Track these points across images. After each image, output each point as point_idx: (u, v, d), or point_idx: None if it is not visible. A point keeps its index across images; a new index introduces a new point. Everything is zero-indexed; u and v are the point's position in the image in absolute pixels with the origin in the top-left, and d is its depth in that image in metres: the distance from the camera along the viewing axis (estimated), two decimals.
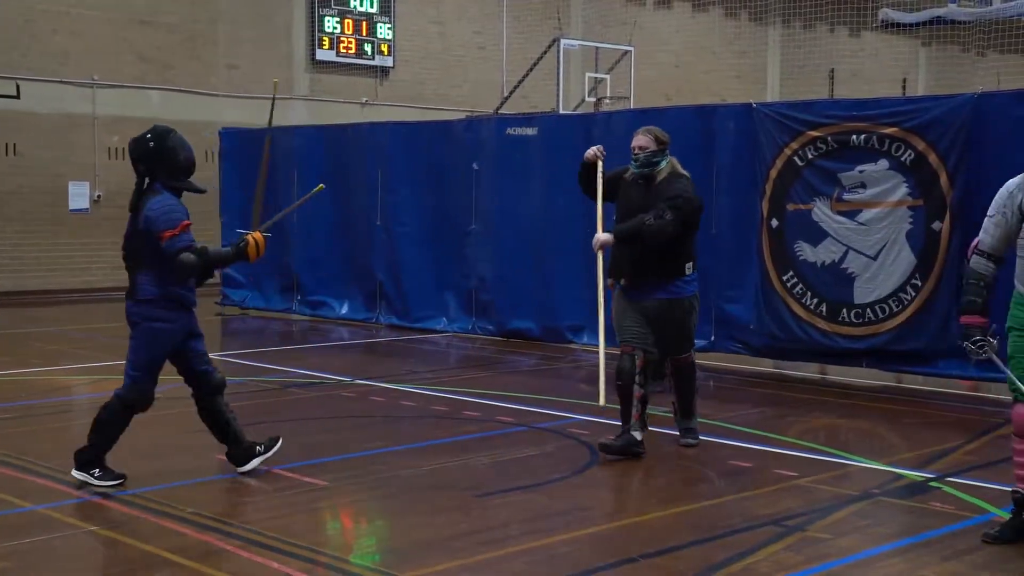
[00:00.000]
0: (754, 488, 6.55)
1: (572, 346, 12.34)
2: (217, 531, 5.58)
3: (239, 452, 6.72)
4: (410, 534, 5.68)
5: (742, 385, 10.33)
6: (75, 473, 6.43)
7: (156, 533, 5.55)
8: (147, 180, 6.73)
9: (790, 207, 10.34)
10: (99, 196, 18.76)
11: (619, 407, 7.29)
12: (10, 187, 17.86)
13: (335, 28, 21.55)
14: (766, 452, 7.49)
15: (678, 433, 7.65)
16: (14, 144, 17.92)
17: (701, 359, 11.17)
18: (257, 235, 6.96)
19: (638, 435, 7.20)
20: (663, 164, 7.25)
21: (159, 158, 6.71)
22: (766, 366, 11.23)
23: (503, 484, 6.59)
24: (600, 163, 7.56)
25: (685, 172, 7.32)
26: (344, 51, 21.74)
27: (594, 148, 7.64)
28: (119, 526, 5.65)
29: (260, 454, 6.74)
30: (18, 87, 17.90)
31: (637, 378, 7.21)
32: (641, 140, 7.27)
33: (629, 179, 7.41)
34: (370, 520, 6.15)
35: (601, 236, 7.33)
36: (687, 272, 7.22)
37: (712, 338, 11.09)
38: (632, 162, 7.34)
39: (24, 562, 5.11)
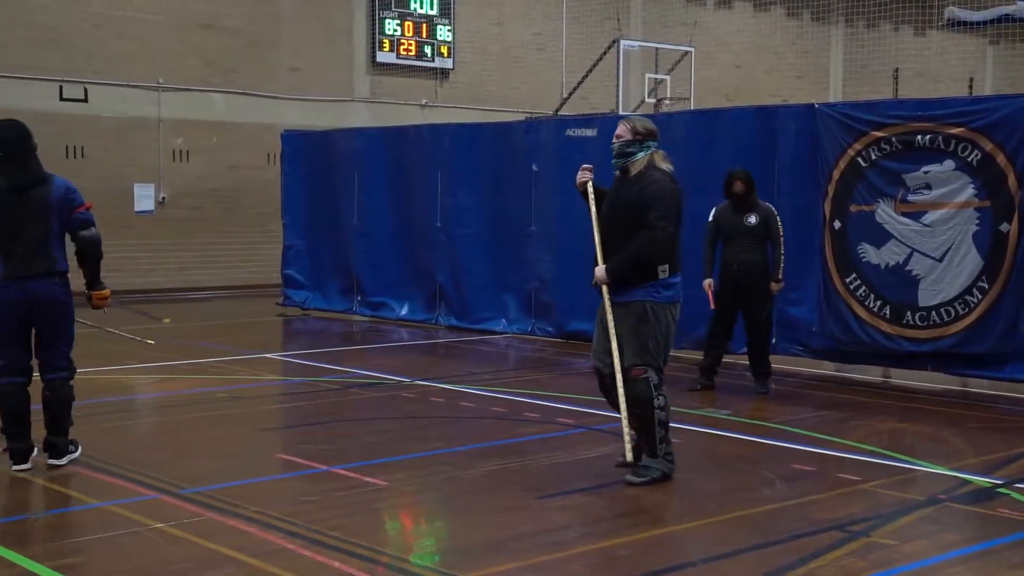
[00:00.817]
0: (816, 492, 6.48)
1: None
2: (280, 530, 5.64)
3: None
4: (470, 535, 5.70)
5: (803, 388, 10.23)
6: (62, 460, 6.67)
7: (220, 531, 5.62)
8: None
9: (853, 208, 10.22)
10: (164, 198, 19.03)
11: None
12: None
13: (395, 30, 21.68)
14: (828, 456, 7.42)
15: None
16: (82, 147, 18.24)
17: None
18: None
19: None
20: (639, 155, 6.69)
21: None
22: (827, 369, 11.12)
23: (563, 486, 6.58)
24: (590, 185, 6.95)
25: (666, 166, 6.70)
26: (404, 53, 21.85)
27: (582, 170, 7.04)
28: (184, 524, 5.73)
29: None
30: (86, 91, 18.22)
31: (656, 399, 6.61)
32: (618, 130, 6.80)
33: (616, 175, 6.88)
34: (430, 520, 6.17)
35: (598, 274, 6.78)
36: (659, 276, 6.58)
37: (773, 340, 10.96)
38: (612, 155, 6.85)
39: (91, 558, 5.20)
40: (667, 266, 6.58)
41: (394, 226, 14.76)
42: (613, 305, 6.68)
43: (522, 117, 18.69)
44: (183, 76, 19.21)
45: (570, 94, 21.40)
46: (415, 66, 22.10)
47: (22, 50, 17.61)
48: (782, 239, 9.58)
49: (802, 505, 6.20)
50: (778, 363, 10.97)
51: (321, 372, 10.73)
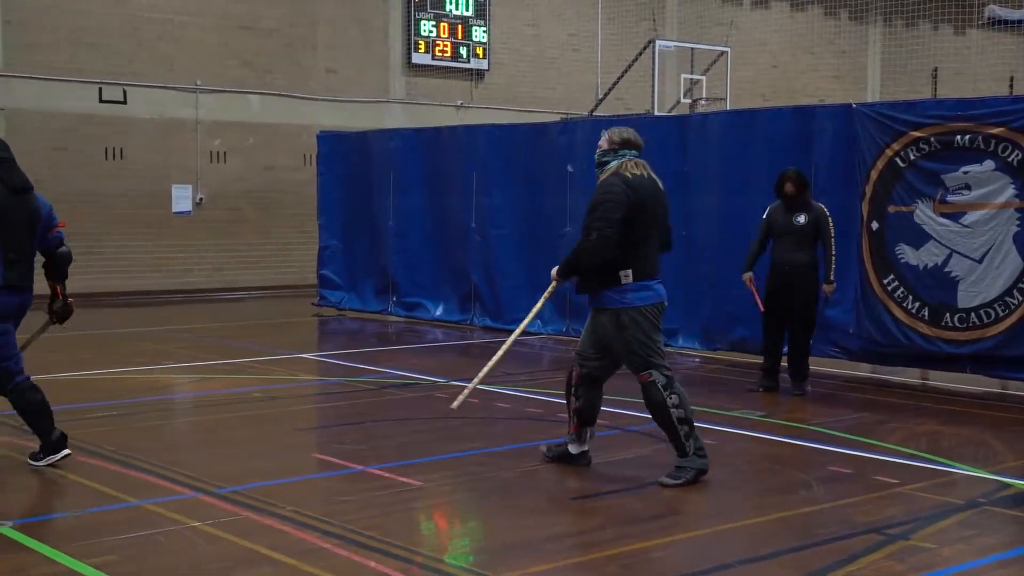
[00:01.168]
0: (854, 495, 6.43)
1: (667, 349, 12.21)
2: (316, 529, 5.66)
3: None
4: (504, 535, 5.70)
5: (840, 390, 10.16)
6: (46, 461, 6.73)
7: (257, 530, 5.65)
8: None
9: (891, 209, 10.14)
10: (201, 199, 19.17)
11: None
12: (117, 190, 18.35)
13: (431, 31, 21.72)
14: (866, 458, 7.35)
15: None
16: (120, 148, 18.41)
17: None
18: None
19: (573, 448, 6.98)
20: (612, 164, 6.78)
21: None
22: (864, 371, 11.03)
23: (598, 487, 6.57)
24: None
25: (632, 173, 6.73)
26: (440, 54, 21.90)
27: None
28: (221, 522, 5.76)
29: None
30: (125, 93, 18.39)
31: (573, 390, 6.87)
32: (600, 140, 6.94)
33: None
34: (465, 521, 6.18)
35: (552, 272, 7.02)
36: (622, 281, 6.56)
37: (810, 342, 10.90)
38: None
39: (128, 556, 5.24)
40: (630, 271, 6.56)
41: (429, 227, 14.79)
42: (595, 311, 6.81)
43: (557, 118, 18.68)
44: (220, 77, 19.35)
45: (605, 95, 21.37)
46: (450, 67, 22.14)
47: (64, 52, 17.80)
48: (833, 240, 9.52)
49: (839, 508, 6.15)
50: (815, 365, 10.89)
51: (356, 372, 10.76)
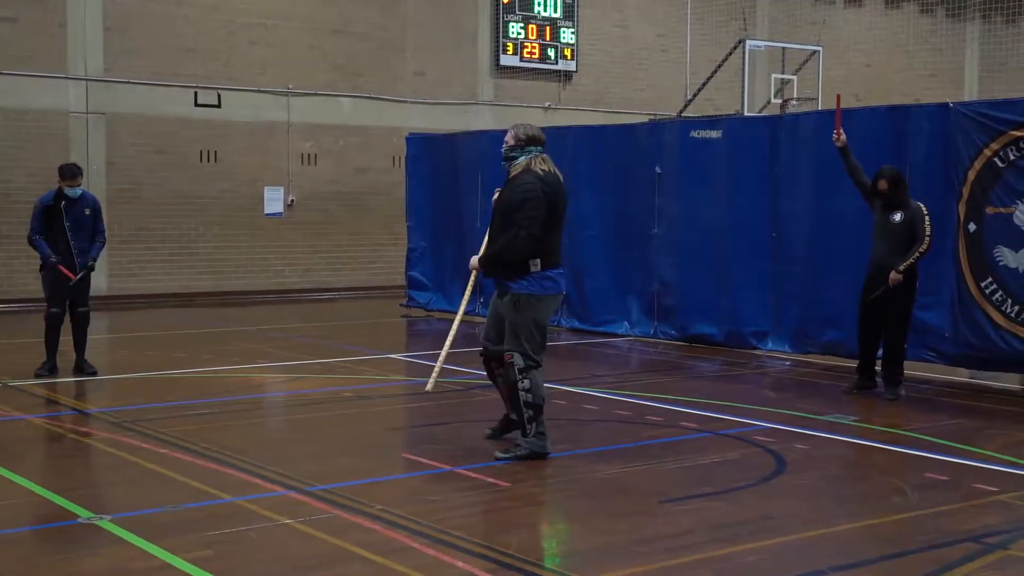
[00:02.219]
0: (951, 502, 6.29)
1: (756, 352, 12.13)
2: (404, 528, 5.70)
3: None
4: (593, 538, 5.68)
5: (936, 395, 9.94)
6: None
7: (346, 528, 5.71)
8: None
9: (989, 210, 9.89)
10: (292, 201, 19.45)
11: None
12: (212, 193, 18.72)
13: (519, 33, 21.77)
14: (963, 465, 7.19)
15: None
16: (215, 151, 18.76)
17: None
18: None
19: (549, 445, 7.27)
20: (520, 159, 7.29)
21: None
22: (962, 376, 10.79)
23: (687, 490, 6.52)
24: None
25: (540, 169, 7.22)
26: (528, 56, 21.93)
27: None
28: (312, 520, 5.83)
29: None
30: (219, 97, 18.74)
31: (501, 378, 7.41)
32: (506, 136, 7.41)
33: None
34: (552, 522, 6.17)
35: (472, 261, 7.55)
36: (531, 269, 7.10)
37: (904, 346, 10.70)
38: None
39: (223, 551, 5.33)
40: (539, 260, 7.11)
41: None
42: (498, 295, 7.40)
43: (645, 119, 18.59)
44: (312, 81, 19.61)
45: (694, 95, 21.21)
46: (538, 69, 22.16)
47: (162, 58, 18.20)
48: (928, 239, 9.30)
49: (935, 515, 6.02)
50: (910, 369, 10.69)
51: (444, 373, 10.79)
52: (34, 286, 17.21)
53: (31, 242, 10.37)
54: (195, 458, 7.21)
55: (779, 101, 21.20)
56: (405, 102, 20.53)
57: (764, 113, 20.53)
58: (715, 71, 20.97)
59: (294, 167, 19.49)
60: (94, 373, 10.43)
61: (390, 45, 20.43)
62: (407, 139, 16.70)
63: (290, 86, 19.37)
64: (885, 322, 9.56)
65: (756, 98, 21.81)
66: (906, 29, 26.24)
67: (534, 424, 7.17)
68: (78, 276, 10.32)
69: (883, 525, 5.88)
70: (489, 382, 7.88)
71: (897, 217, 9.37)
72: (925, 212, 9.38)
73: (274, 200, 19.38)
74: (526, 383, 7.11)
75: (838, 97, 10.22)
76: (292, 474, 6.78)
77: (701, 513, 6.08)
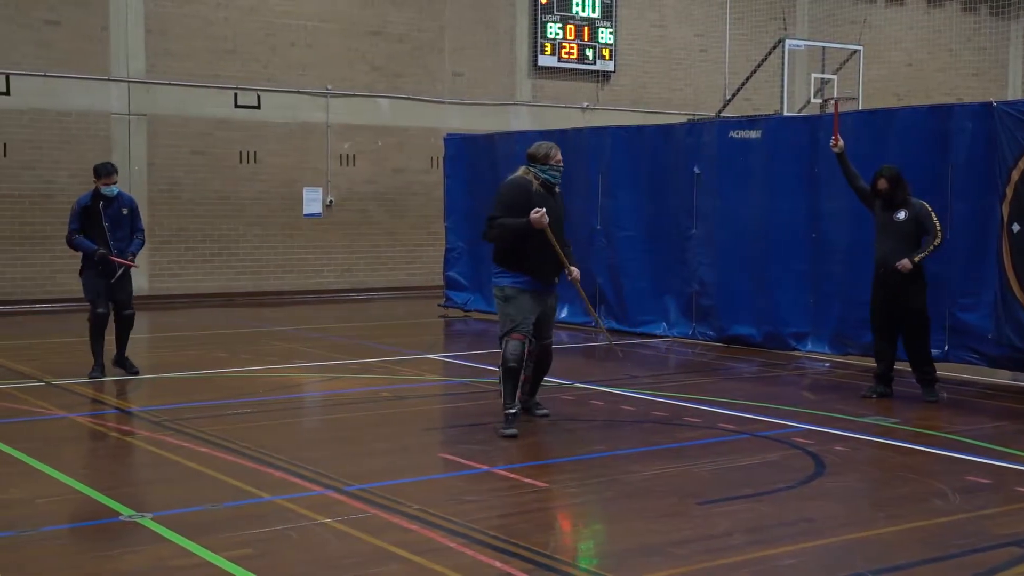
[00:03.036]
0: (993, 506, 6.22)
1: (795, 353, 12.05)
2: (442, 528, 5.71)
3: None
4: (630, 539, 5.67)
5: (978, 397, 9.83)
6: None
7: (384, 528, 5.73)
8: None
9: None
10: (331, 201, 19.55)
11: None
12: (251, 193, 18.84)
13: (557, 34, 21.75)
14: (1006, 468, 7.11)
15: None
16: (254, 152, 18.88)
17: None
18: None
19: (514, 408, 8.03)
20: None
21: None
22: (1004, 378, 10.66)
23: (725, 492, 6.49)
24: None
25: (517, 177, 8.25)
26: (566, 56, 21.91)
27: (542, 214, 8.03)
28: (350, 520, 5.86)
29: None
30: (259, 98, 18.87)
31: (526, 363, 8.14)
32: (558, 156, 8.28)
33: (538, 190, 8.16)
34: (590, 523, 6.16)
35: (576, 273, 8.34)
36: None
37: (945, 348, 10.60)
38: (555, 174, 8.26)
39: (262, 550, 5.37)
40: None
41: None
42: (547, 294, 8.36)
43: (684, 119, 18.52)
44: (350, 82, 19.70)
45: (733, 95, 21.11)
46: (576, 69, 22.13)
47: (203, 60, 18.35)
48: (939, 233, 9.18)
49: (977, 519, 5.95)
50: (952, 371, 10.60)
51: (482, 373, 10.83)
52: (77, 285, 17.42)
53: (71, 243, 10.45)
54: (234, 457, 7.26)
55: (819, 101, 21.05)
56: (443, 103, 20.57)
57: (803, 113, 20.40)
58: (754, 71, 20.86)
59: (332, 168, 19.59)
60: (136, 372, 10.52)
61: (428, 46, 20.49)
62: (445, 139, 16.73)
63: (329, 87, 19.47)
64: (899, 326, 9.38)
65: (796, 98, 21.68)
66: (949, 27, 25.97)
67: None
68: (119, 271, 10.40)
69: (923, 528, 5.82)
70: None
71: (901, 215, 9.25)
72: (930, 209, 9.27)
73: (313, 201, 19.48)
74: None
75: (835, 103, 10.16)
76: (330, 473, 6.81)
77: (739, 515, 6.05)
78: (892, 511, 6.18)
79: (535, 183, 8.18)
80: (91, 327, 10.41)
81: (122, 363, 10.59)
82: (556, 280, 8.31)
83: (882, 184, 9.31)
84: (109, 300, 10.46)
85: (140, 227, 10.70)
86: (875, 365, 9.70)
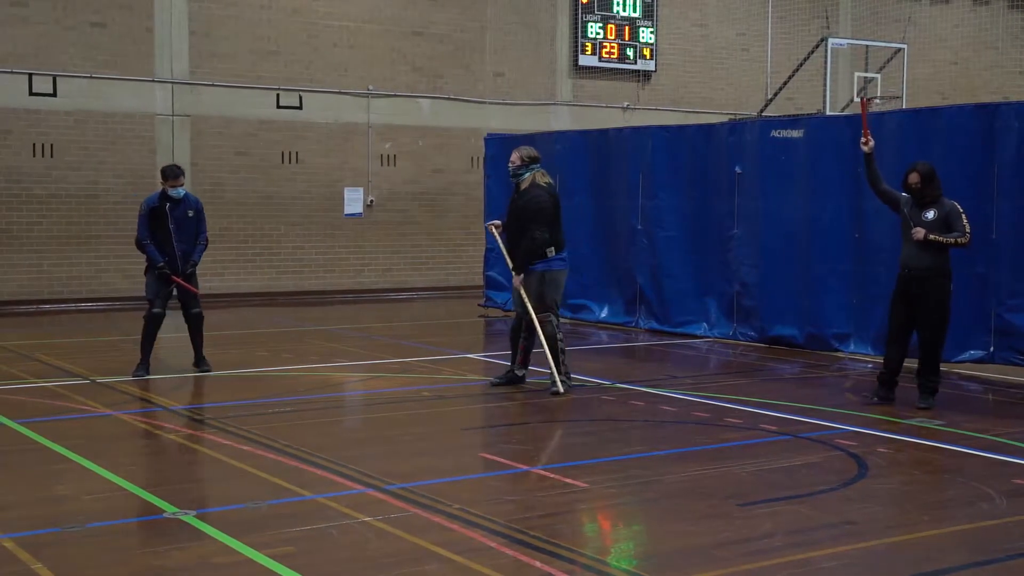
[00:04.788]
0: None
1: (838, 354, 11.96)
2: (482, 528, 5.73)
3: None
4: (670, 540, 5.65)
5: None
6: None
7: (425, 527, 5.76)
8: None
9: None
10: (372, 201, 19.63)
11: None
12: (293, 193, 18.96)
13: (598, 33, 21.72)
14: None
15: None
16: (296, 152, 19.00)
17: (978, 371, 10.66)
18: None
19: (520, 372, 9.97)
20: (525, 175, 9.72)
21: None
22: None
23: (767, 493, 6.46)
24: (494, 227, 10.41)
25: (544, 182, 9.73)
26: (607, 56, 21.88)
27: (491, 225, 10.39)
28: (391, 518, 5.89)
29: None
30: (301, 98, 18.98)
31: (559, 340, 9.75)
32: (512, 157, 9.75)
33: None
34: (629, 524, 6.15)
35: (515, 281, 9.84)
36: (548, 254, 9.65)
37: (991, 349, 10.49)
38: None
39: (303, 549, 5.41)
40: (552, 248, 9.65)
41: (594, 228, 14.78)
42: (526, 275, 9.73)
43: (725, 119, 18.43)
44: (392, 82, 19.78)
45: (775, 94, 20.98)
46: (617, 69, 22.09)
47: (246, 61, 18.49)
48: (968, 235, 8.80)
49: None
50: (997, 373, 10.49)
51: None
52: (122, 284, 17.66)
53: (140, 246, 10.60)
54: (276, 455, 7.31)
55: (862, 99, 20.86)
56: (484, 103, 20.60)
57: (846, 112, 20.24)
58: (796, 70, 20.72)
59: (374, 168, 19.67)
60: (208, 370, 10.69)
61: (469, 46, 20.52)
62: (486, 139, 16.76)
63: (371, 87, 19.55)
64: (915, 330, 9.06)
65: (838, 97, 21.50)
66: (995, 25, 25.67)
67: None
68: (181, 280, 10.57)
69: (968, 532, 5.76)
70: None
71: (930, 215, 8.90)
72: (961, 210, 8.90)
73: (354, 200, 19.57)
74: (560, 333, 9.76)
75: (863, 101, 9.98)
76: (371, 472, 6.85)
77: (780, 517, 6.02)
78: (936, 514, 6.13)
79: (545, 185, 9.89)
80: (144, 325, 10.56)
81: (200, 363, 10.78)
82: (520, 269, 9.78)
83: (914, 178, 8.96)
84: (167, 302, 10.60)
85: (204, 230, 10.84)
86: (884, 368, 9.33)
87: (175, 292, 10.70)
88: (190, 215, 10.62)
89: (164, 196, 10.51)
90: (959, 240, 8.82)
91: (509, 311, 16.08)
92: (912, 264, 8.98)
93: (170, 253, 10.51)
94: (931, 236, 8.81)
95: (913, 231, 8.87)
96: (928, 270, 8.90)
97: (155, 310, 10.50)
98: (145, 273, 10.70)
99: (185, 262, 10.59)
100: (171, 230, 10.47)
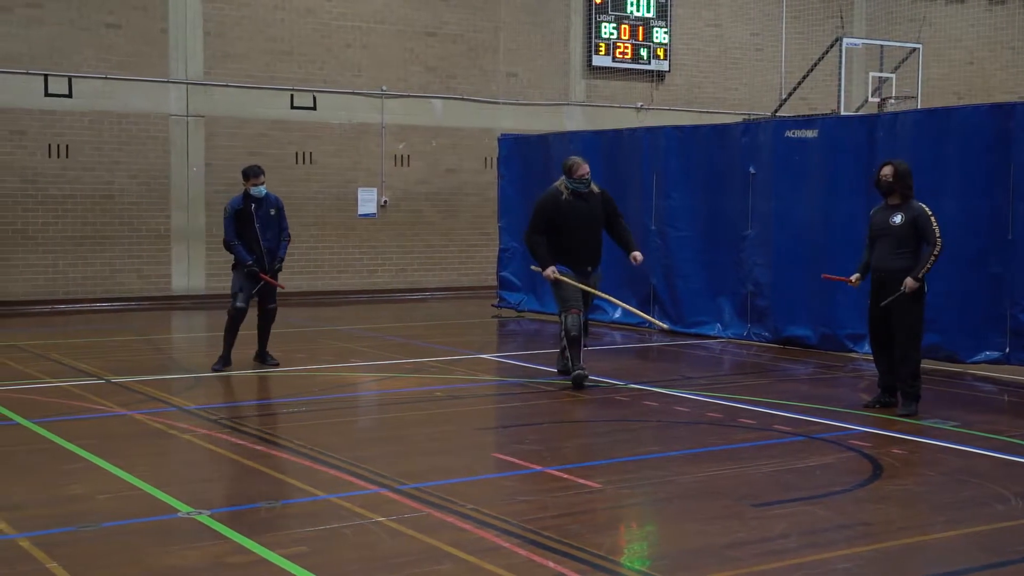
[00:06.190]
0: None
1: (852, 355, 11.92)
2: (495, 528, 5.72)
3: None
4: (684, 541, 5.64)
5: None
6: None
7: (438, 527, 5.76)
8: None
9: None
10: (385, 202, 19.65)
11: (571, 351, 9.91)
12: (307, 193, 19.00)
13: (611, 34, 21.70)
14: None
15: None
16: (310, 153, 19.04)
17: (994, 371, 10.62)
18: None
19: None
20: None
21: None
22: None
23: (780, 494, 6.44)
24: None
25: (559, 187, 10.26)
26: (620, 56, 21.86)
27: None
28: (404, 518, 5.89)
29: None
30: (315, 99, 19.02)
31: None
32: (586, 167, 10.21)
33: (567, 199, 10.18)
34: (643, 524, 6.15)
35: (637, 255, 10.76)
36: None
37: (1007, 350, 10.44)
38: (579, 185, 10.18)
39: (317, 548, 5.41)
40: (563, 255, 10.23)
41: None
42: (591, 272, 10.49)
43: (739, 119, 18.39)
44: (405, 83, 19.80)
45: (789, 95, 20.93)
46: (631, 69, 22.07)
47: (259, 62, 18.54)
48: (939, 240, 8.62)
49: None
50: (1013, 374, 10.44)
51: (535, 374, 10.84)
52: (136, 284, 17.72)
53: (229, 247, 10.79)
54: (290, 455, 7.33)
55: (877, 100, 20.81)
56: (497, 103, 20.61)
57: (861, 112, 20.18)
58: (811, 70, 20.67)
59: (387, 168, 19.69)
60: (276, 364, 10.87)
61: (483, 47, 20.53)
62: (499, 140, 16.76)
63: (384, 88, 19.58)
64: (891, 333, 8.90)
65: (853, 97, 21.44)
66: (1011, 25, 25.56)
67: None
68: (268, 277, 10.83)
69: (984, 533, 5.74)
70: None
71: (897, 219, 8.76)
72: (930, 213, 8.74)
73: (367, 201, 19.60)
74: (570, 329, 10.11)
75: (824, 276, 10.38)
76: (384, 472, 6.86)
77: (794, 518, 6.00)
78: (951, 515, 6.10)
79: (565, 192, 10.11)
80: (228, 319, 10.81)
81: (263, 357, 11.02)
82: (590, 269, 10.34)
83: (887, 171, 8.82)
84: (250, 297, 10.73)
85: (286, 227, 11.08)
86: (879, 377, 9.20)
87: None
88: (272, 213, 10.85)
89: (247, 197, 10.70)
90: (934, 255, 8.66)
91: (522, 311, 16.10)
92: (884, 267, 8.85)
93: (257, 252, 10.71)
94: (919, 276, 8.64)
95: (905, 286, 8.63)
96: (898, 272, 8.75)
97: (239, 304, 10.73)
98: (232, 269, 10.97)
99: (272, 259, 10.77)
100: (257, 229, 10.69)
